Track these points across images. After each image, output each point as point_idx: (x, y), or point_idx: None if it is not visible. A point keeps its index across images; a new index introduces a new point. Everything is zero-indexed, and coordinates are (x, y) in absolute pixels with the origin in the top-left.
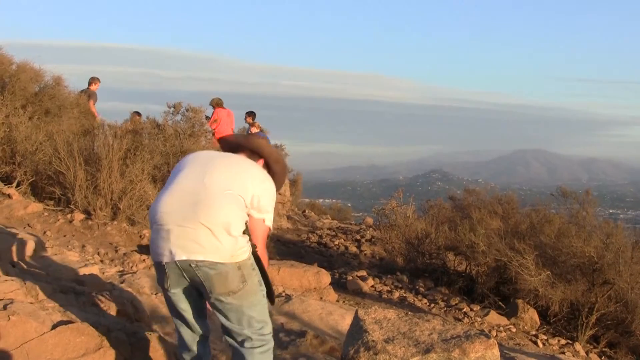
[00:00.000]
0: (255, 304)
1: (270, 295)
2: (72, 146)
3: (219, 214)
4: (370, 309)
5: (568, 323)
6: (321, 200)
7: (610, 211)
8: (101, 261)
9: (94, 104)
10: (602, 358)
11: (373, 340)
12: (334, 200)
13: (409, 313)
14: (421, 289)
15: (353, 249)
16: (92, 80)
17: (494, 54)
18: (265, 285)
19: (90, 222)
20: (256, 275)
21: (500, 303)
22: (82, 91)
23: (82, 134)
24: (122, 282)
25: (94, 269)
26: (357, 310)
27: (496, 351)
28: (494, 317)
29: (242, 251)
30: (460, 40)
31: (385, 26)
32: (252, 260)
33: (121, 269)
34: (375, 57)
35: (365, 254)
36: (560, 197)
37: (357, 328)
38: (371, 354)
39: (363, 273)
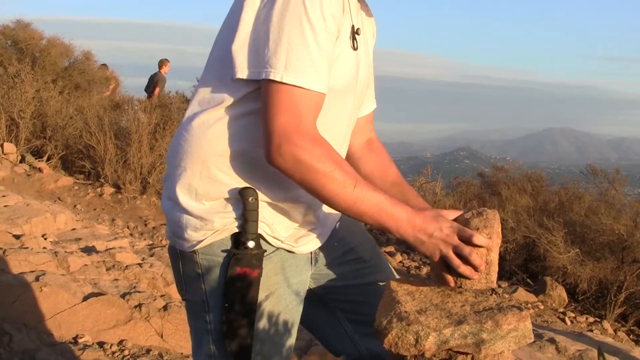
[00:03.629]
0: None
1: (240, 356)
2: (102, 120)
3: None
4: (402, 280)
5: (596, 301)
6: None
7: None
8: (131, 234)
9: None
10: (630, 336)
11: (406, 311)
12: None
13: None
14: None
15: None
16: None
17: (524, 31)
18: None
19: (119, 196)
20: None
21: (528, 280)
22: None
23: (112, 109)
24: (151, 255)
25: (124, 242)
26: (389, 282)
27: (529, 324)
28: (522, 294)
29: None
30: (491, 16)
31: (414, 2)
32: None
33: (151, 242)
34: (404, 33)
35: None
36: (590, 175)
37: (390, 299)
38: (404, 324)
39: (391, 249)
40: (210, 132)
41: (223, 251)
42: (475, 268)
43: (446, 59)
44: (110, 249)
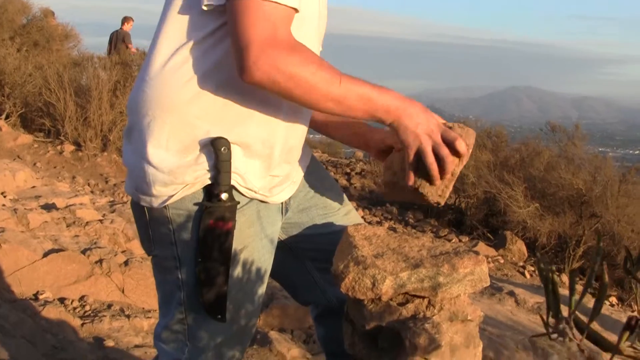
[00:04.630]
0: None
1: (214, 307)
2: (62, 77)
3: None
4: (360, 225)
5: (555, 255)
6: (311, 135)
7: (600, 149)
8: (91, 192)
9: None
10: (587, 289)
11: (363, 256)
12: (323, 135)
13: (399, 230)
14: (410, 220)
15: (343, 182)
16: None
17: None
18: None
19: (80, 154)
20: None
21: (488, 235)
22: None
23: (72, 66)
24: (112, 212)
25: (85, 200)
26: (347, 227)
27: (485, 267)
28: (482, 248)
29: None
30: None
31: None
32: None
33: (112, 199)
34: None
35: (355, 187)
36: (549, 132)
37: (347, 244)
38: (360, 268)
39: (353, 205)
40: (178, 77)
41: (195, 204)
42: (443, 173)
43: (410, 18)
44: (71, 205)
